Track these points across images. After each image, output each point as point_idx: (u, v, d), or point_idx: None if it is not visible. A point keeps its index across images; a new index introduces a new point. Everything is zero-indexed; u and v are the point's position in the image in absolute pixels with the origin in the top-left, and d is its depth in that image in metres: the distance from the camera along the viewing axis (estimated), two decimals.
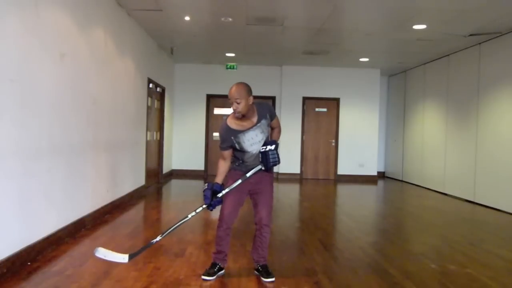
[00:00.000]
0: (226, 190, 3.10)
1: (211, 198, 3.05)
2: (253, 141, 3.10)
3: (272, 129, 3.31)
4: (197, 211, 3.12)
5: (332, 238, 4.92)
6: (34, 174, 3.55)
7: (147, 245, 3.10)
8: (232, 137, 3.08)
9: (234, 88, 3.02)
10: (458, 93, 8.03)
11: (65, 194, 4.21)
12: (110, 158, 5.54)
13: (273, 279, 3.17)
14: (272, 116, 3.24)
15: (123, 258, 2.94)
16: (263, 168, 3.12)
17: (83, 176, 4.65)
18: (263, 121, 3.13)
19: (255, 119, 3.11)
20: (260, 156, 3.11)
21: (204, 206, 3.08)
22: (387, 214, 6.60)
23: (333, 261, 3.82)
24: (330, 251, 4.18)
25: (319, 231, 4.96)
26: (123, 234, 4.48)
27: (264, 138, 3.14)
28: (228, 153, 3.17)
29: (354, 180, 10.49)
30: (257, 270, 3.28)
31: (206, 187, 3.08)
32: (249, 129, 3.09)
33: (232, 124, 3.10)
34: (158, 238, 3.07)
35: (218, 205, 3.11)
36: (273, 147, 3.09)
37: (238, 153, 3.17)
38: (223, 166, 3.19)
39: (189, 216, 3.11)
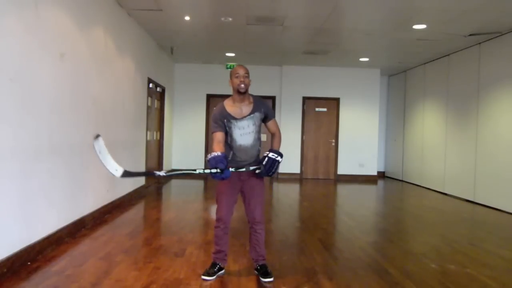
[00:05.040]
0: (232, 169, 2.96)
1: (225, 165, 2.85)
2: (244, 131, 3.12)
3: (272, 134, 3.29)
4: (207, 171, 2.88)
5: (332, 238, 4.92)
6: (34, 174, 3.55)
7: (148, 173, 2.87)
8: (225, 120, 3.09)
9: (240, 66, 3.15)
10: (458, 93, 8.03)
11: (65, 194, 4.21)
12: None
13: (271, 279, 3.16)
14: (269, 114, 3.23)
15: (116, 170, 2.67)
16: (257, 171, 3.07)
17: (83, 176, 4.65)
18: (257, 114, 3.16)
19: (250, 108, 3.15)
20: (266, 160, 3.05)
21: (217, 170, 2.82)
22: (387, 214, 6.60)
23: (333, 261, 3.82)
24: (330, 251, 4.18)
25: (319, 231, 4.96)
26: (123, 234, 4.47)
27: (255, 132, 3.14)
28: (221, 135, 3.08)
29: (354, 180, 10.49)
30: (256, 269, 3.27)
31: (218, 154, 2.87)
32: (243, 117, 3.11)
33: (228, 107, 3.14)
34: (163, 173, 2.89)
35: (229, 175, 2.88)
36: (281, 159, 3.08)
37: (227, 145, 3.14)
38: (221, 148, 3.03)
39: (197, 171, 2.93)
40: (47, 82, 3.75)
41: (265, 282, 3.15)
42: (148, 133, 7.78)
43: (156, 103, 8.65)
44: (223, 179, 2.90)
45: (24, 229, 3.43)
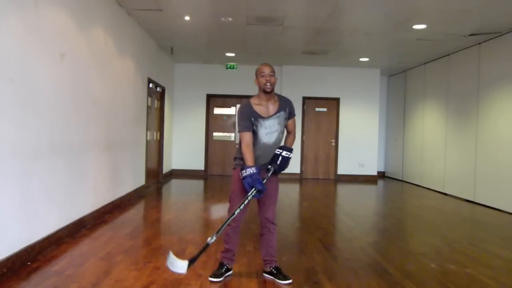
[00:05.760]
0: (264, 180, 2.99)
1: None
2: (269, 130, 3.10)
3: (288, 133, 3.35)
4: (247, 201, 2.95)
5: (332, 238, 4.92)
6: (34, 174, 3.55)
7: (204, 247, 2.89)
8: (253, 118, 3.05)
9: (266, 65, 3.10)
10: (458, 93, 8.03)
11: (65, 194, 4.21)
12: (110, 158, 5.54)
13: (290, 281, 3.13)
14: (291, 113, 3.26)
15: (183, 267, 2.79)
16: (276, 169, 3.13)
17: (83, 176, 4.65)
18: (282, 113, 3.16)
19: (276, 107, 3.13)
20: (280, 159, 3.13)
21: (254, 192, 2.89)
22: (387, 214, 6.60)
23: (333, 261, 3.82)
24: (330, 251, 4.18)
25: (319, 231, 4.96)
26: (123, 234, 4.47)
27: (279, 131, 3.15)
28: (249, 136, 3.03)
29: (354, 180, 10.49)
30: (270, 272, 3.22)
31: (253, 171, 2.89)
32: (269, 116, 3.10)
33: (255, 106, 3.10)
34: (214, 238, 2.87)
35: (265, 190, 2.95)
36: (292, 155, 3.19)
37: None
38: (251, 151, 3.01)
39: (236, 212, 2.96)
40: (47, 82, 3.75)
41: (283, 284, 3.11)
42: (148, 133, 7.78)
43: (156, 103, 8.65)
44: (262, 194, 2.95)
45: (24, 229, 3.43)
